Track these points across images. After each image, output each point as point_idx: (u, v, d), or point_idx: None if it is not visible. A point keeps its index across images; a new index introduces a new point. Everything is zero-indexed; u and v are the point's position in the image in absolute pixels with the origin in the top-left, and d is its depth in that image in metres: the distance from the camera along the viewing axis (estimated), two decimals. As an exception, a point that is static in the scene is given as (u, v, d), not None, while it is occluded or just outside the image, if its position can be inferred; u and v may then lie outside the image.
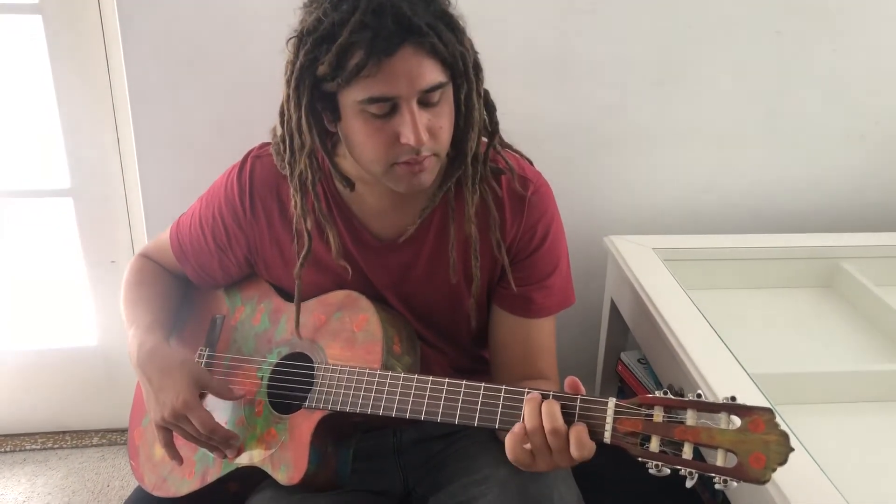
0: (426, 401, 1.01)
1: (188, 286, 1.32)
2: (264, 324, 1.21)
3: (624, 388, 1.78)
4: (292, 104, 1.01)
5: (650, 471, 0.86)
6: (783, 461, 0.81)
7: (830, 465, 1.05)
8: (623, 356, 1.76)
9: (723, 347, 1.31)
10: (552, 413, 0.91)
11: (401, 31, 0.94)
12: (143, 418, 1.28)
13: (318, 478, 1.09)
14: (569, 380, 0.95)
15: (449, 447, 1.22)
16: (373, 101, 0.96)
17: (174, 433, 1.13)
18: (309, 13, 0.99)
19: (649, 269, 1.58)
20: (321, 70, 0.97)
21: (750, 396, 1.18)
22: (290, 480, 1.07)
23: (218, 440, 1.11)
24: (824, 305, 1.66)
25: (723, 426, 0.84)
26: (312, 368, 1.12)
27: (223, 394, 1.15)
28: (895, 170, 1.89)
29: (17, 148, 1.81)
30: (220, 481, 1.16)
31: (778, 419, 0.82)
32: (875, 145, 1.87)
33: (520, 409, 0.95)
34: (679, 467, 0.85)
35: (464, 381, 0.99)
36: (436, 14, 0.98)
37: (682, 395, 0.88)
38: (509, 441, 0.94)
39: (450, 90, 1.02)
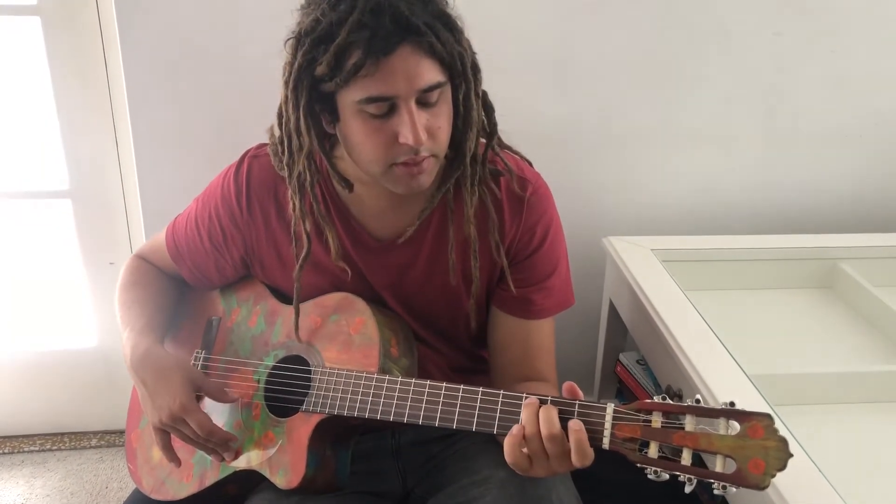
0: (424, 405, 1.01)
1: (184, 287, 1.32)
2: (260, 326, 1.21)
3: (623, 389, 1.78)
4: (290, 105, 1.01)
5: (649, 476, 0.86)
6: (782, 467, 0.81)
7: (829, 466, 1.05)
8: (622, 357, 1.76)
9: (721, 348, 1.31)
10: (550, 419, 0.91)
11: (399, 30, 0.93)
12: (140, 421, 1.28)
13: (317, 481, 1.09)
14: (566, 385, 0.94)
15: (448, 448, 1.21)
16: (371, 100, 0.96)
17: (172, 436, 1.13)
18: (307, 14, 0.98)
19: (648, 270, 1.58)
20: (319, 70, 0.96)
21: (748, 397, 1.18)
22: (289, 484, 1.07)
23: (216, 442, 1.11)
24: (823, 306, 1.66)
25: (722, 432, 0.84)
26: (309, 371, 1.12)
27: (218, 396, 1.15)
28: (894, 170, 1.89)
29: (15, 149, 1.81)
30: (219, 484, 1.16)
31: (777, 424, 0.82)
32: (874, 146, 1.87)
33: (518, 413, 0.94)
34: (678, 473, 0.85)
35: (461, 386, 0.99)
36: (434, 14, 0.98)
37: (680, 398, 0.87)
38: (508, 444, 0.94)
39: (448, 90, 1.01)
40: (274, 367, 1.17)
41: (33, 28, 1.66)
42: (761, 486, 0.81)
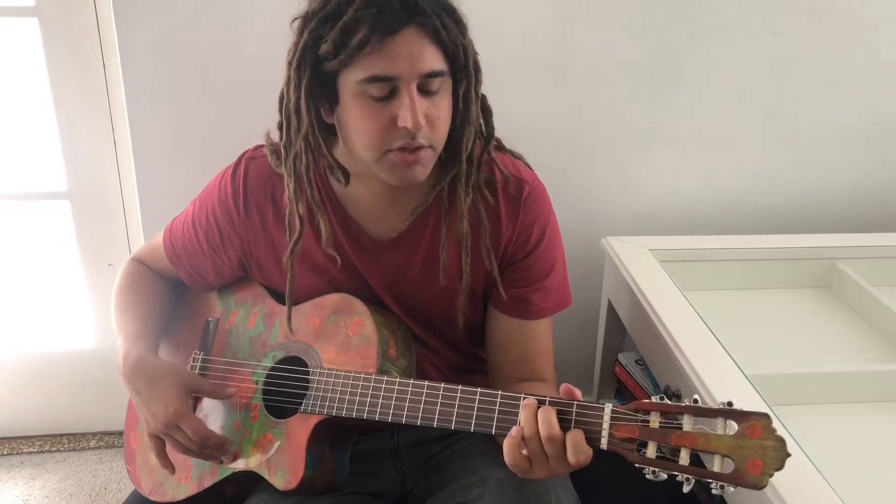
0: (422, 406, 1.01)
1: (181, 290, 1.32)
2: (258, 327, 1.21)
3: (621, 390, 1.78)
4: (292, 86, 1.01)
5: (647, 476, 0.86)
6: (780, 467, 0.81)
7: (827, 465, 1.05)
8: (620, 357, 1.76)
9: (720, 348, 1.31)
10: (548, 420, 0.91)
11: (406, 11, 0.95)
12: (138, 423, 1.28)
13: (316, 481, 1.09)
14: (563, 387, 0.94)
15: (446, 449, 1.21)
16: (373, 79, 0.96)
17: (167, 444, 1.13)
18: None
19: (646, 270, 1.58)
20: (324, 49, 0.97)
21: (747, 397, 1.18)
22: (288, 485, 1.07)
23: (212, 447, 1.11)
24: (821, 306, 1.66)
25: (720, 431, 0.84)
26: (307, 372, 1.12)
27: (216, 393, 1.15)
28: (892, 170, 1.90)
29: (14, 150, 1.81)
30: (217, 486, 1.16)
31: (775, 424, 0.82)
32: (872, 146, 1.87)
33: (516, 414, 0.94)
34: (676, 473, 0.85)
35: (460, 386, 0.99)
36: (441, 4, 0.99)
37: (679, 398, 0.88)
38: (507, 445, 0.94)
39: (449, 84, 1.02)
40: (272, 369, 1.17)
41: (31, 29, 1.66)
42: (759, 486, 0.81)
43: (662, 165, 1.84)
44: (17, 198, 1.87)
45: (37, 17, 1.66)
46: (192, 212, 1.23)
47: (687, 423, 0.85)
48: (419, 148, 1.00)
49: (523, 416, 0.93)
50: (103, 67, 1.70)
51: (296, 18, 1.01)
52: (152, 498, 1.22)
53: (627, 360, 1.74)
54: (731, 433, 0.83)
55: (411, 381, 1.02)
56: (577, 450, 0.89)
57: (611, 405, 0.90)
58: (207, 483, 1.16)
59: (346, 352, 1.10)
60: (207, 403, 1.20)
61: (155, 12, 1.58)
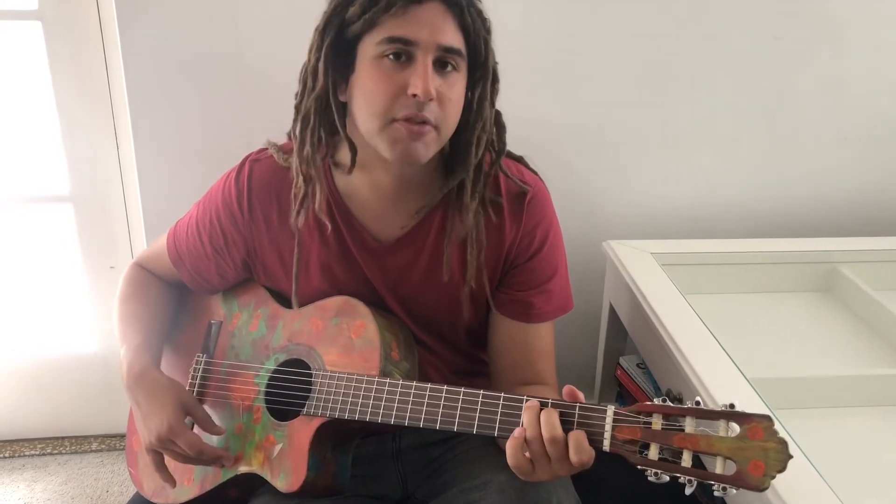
0: (425, 408, 1.01)
1: (183, 293, 1.32)
2: (261, 330, 1.21)
3: (623, 393, 1.78)
4: (314, 48, 1.04)
5: (649, 478, 0.86)
6: (782, 468, 0.81)
7: (829, 469, 1.05)
8: (622, 361, 1.76)
9: (721, 352, 1.31)
10: (551, 422, 0.91)
11: None
12: (141, 426, 1.28)
13: (318, 484, 1.09)
14: (566, 389, 0.95)
15: (448, 452, 1.22)
16: (392, 40, 0.99)
17: (165, 455, 1.13)
18: None
19: (648, 273, 1.58)
20: (351, 11, 1.00)
21: (748, 401, 1.17)
22: (290, 487, 1.07)
23: (207, 460, 1.12)
24: (823, 310, 1.66)
25: (721, 433, 0.84)
26: (310, 375, 1.12)
27: (206, 426, 1.14)
28: (893, 174, 1.90)
29: (16, 154, 1.81)
30: (220, 488, 1.16)
31: (777, 426, 0.82)
32: (873, 150, 1.87)
33: (518, 416, 0.95)
34: (678, 475, 0.85)
35: (462, 388, 0.99)
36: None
37: (681, 401, 0.88)
38: (510, 446, 0.94)
39: (464, 70, 1.04)
40: (275, 371, 1.17)
41: (35, 33, 1.67)
42: (761, 488, 0.81)
43: (664, 169, 1.84)
44: (20, 201, 1.88)
45: (40, 21, 1.66)
46: (196, 215, 1.23)
47: (689, 425, 0.86)
48: (424, 123, 1.01)
49: (526, 418, 0.93)
50: (106, 71, 1.71)
51: None
52: (154, 500, 1.23)
53: (629, 364, 1.74)
54: (732, 435, 0.83)
55: (414, 384, 1.03)
56: (579, 449, 0.89)
57: (613, 407, 0.90)
58: (210, 485, 1.16)
59: (348, 354, 1.10)
60: (210, 403, 1.21)
61: (157, 16, 1.58)
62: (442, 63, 1.01)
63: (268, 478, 1.10)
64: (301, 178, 1.09)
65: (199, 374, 1.23)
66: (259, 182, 1.17)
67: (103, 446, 2.06)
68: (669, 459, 0.86)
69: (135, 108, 1.65)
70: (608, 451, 0.90)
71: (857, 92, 1.81)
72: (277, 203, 1.16)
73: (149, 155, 1.70)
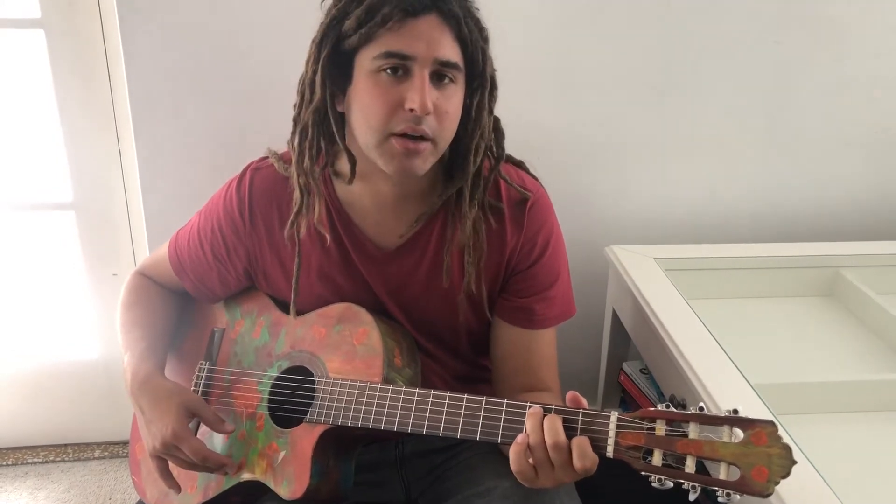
0: (428, 415, 1.01)
1: (186, 301, 1.32)
2: (264, 337, 1.21)
3: (626, 399, 1.78)
4: (311, 61, 1.04)
5: (653, 484, 0.86)
6: (786, 474, 0.81)
7: (832, 474, 1.04)
8: (625, 366, 1.76)
9: (724, 357, 1.31)
10: (554, 428, 0.91)
11: None
12: (144, 433, 1.28)
13: (321, 491, 1.09)
14: (570, 395, 0.95)
15: (451, 459, 1.21)
16: (389, 55, 0.98)
17: (169, 462, 1.13)
18: None
19: (651, 278, 1.58)
20: (347, 25, 1.00)
21: (752, 406, 1.17)
22: (293, 495, 1.07)
23: (212, 466, 1.11)
24: (825, 314, 1.66)
25: (725, 439, 0.84)
26: (313, 382, 1.12)
27: (214, 425, 1.13)
28: (895, 178, 1.89)
29: (19, 161, 1.82)
30: (223, 495, 1.16)
31: (780, 432, 0.82)
32: (876, 154, 1.87)
33: (522, 423, 0.94)
34: (682, 481, 0.85)
35: (465, 395, 0.99)
36: (467, 9, 1.03)
37: (684, 407, 0.88)
38: (513, 452, 0.94)
39: (462, 84, 1.04)
40: (278, 378, 1.17)
41: (38, 41, 1.67)
42: (765, 494, 0.81)
43: (666, 174, 1.84)
44: (23, 208, 1.88)
45: (43, 29, 1.67)
46: (198, 223, 1.23)
47: (693, 430, 0.86)
48: (421, 138, 1.01)
49: (529, 424, 0.93)
50: (108, 79, 1.71)
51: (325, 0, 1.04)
52: (157, 508, 1.23)
53: (632, 370, 1.73)
54: (736, 441, 0.83)
55: (416, 391, 1.03)
56: (582, 455, 0.89)
57: (616, 413, 0.90)
58: (213, 493, 1.16)
59: (351, 361, 1.10)
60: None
61: (160, 23, 1.58)
62: (439, 76, 1.01)
63: (271, 485, 1.10)
64: (298, 190, 1.09)
65: (202, 381, 1.23)
66: (260, 190, 1.17)
67: (106, 453, 2.06)
68: (673, 465, 0.86)
69: (137, 116, 1.65)
70: (612, 457, 0.89)
71: (859, 96, 1.81)
72: (278, 211, 1.16)
73: (151, 162, 1.70)
